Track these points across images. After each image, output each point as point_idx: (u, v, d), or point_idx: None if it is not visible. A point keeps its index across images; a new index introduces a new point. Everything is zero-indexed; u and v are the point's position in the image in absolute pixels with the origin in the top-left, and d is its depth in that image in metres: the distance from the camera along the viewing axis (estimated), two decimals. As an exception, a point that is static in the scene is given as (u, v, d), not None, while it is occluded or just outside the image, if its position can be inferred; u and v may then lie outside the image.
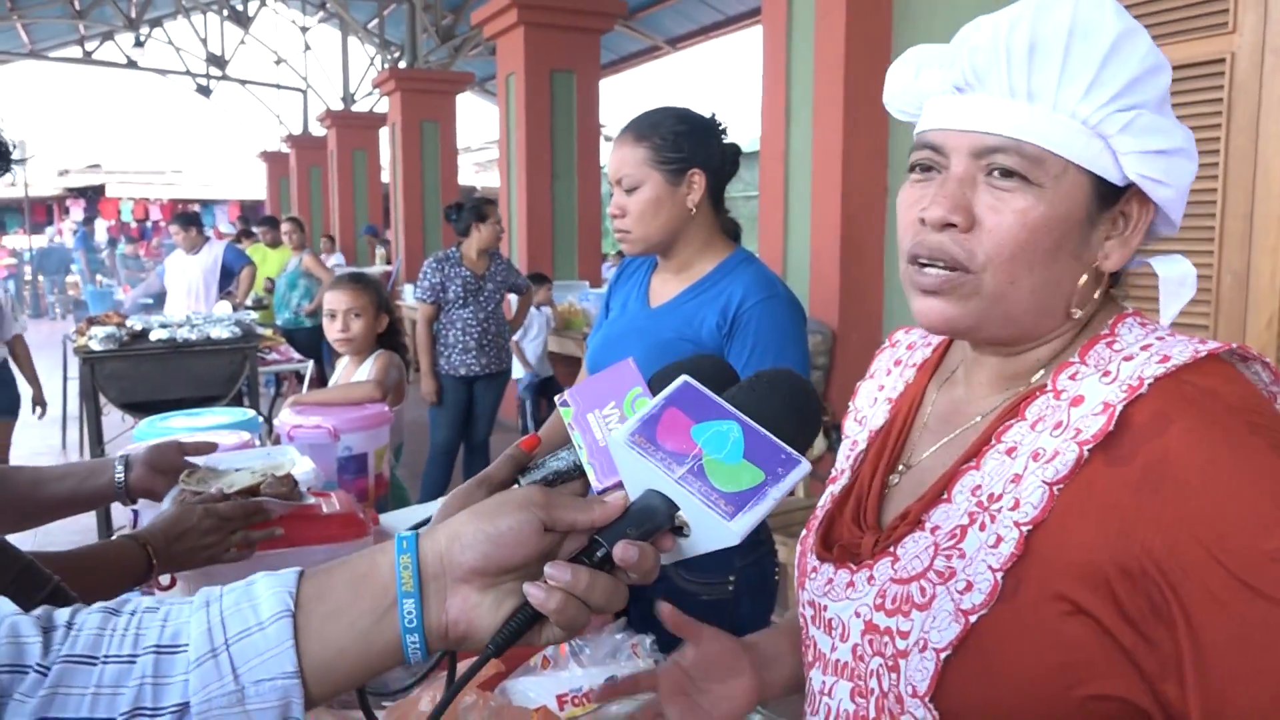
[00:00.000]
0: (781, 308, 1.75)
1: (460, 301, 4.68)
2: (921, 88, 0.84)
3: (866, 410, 0.99)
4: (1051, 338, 0.81)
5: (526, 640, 0.64)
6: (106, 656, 0.59)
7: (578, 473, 0.80)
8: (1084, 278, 0.78)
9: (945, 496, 0.79)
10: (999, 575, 0.72)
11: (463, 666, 0.69)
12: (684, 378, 0.68)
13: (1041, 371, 0.81)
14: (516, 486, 0.85)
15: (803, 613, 0.92)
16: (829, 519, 0.93)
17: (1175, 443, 0.68)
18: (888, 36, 3.95)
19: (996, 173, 0.75)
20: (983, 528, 0.74)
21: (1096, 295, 0.80)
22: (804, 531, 0.98)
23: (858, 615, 0.81)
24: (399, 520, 2.00)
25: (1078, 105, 0.73)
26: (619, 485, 0.69)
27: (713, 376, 0.74)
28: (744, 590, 1.81)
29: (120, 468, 1.50)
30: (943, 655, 0.72)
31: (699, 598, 1.79)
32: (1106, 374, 0.75)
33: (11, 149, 1.04)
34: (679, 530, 0.65)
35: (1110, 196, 0.76)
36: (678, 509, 0.63)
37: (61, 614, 0.61)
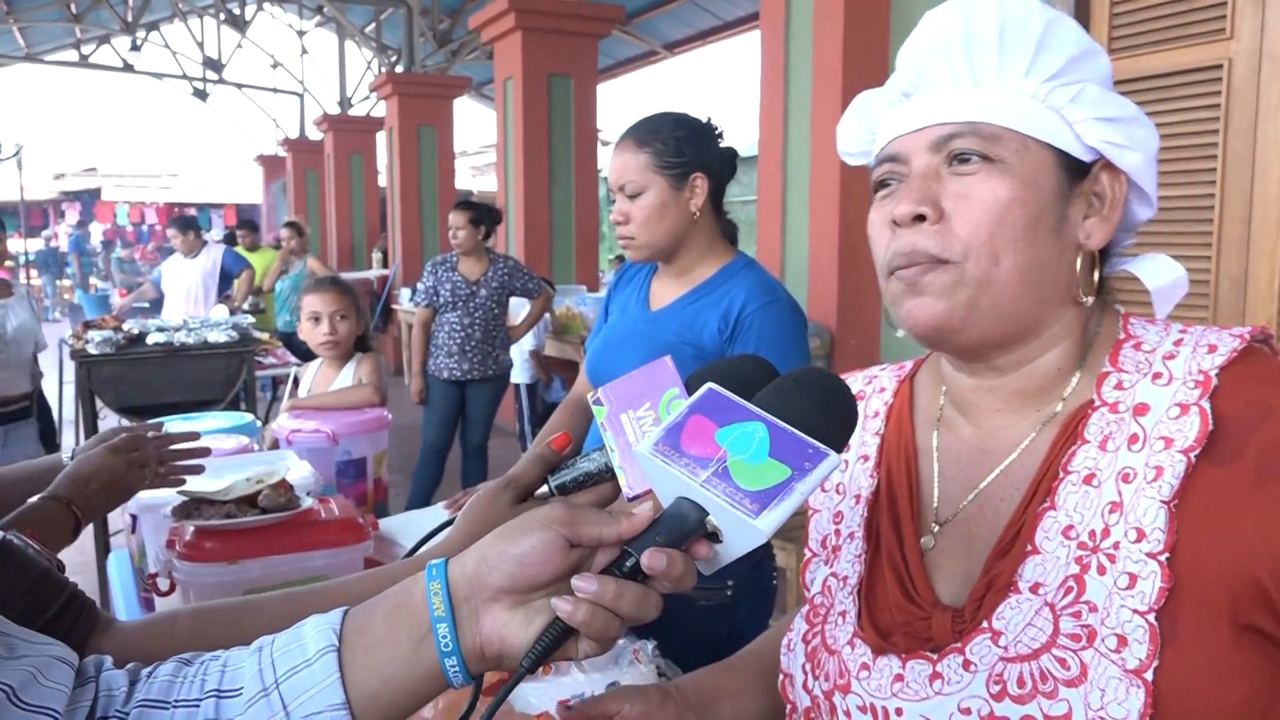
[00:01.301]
0: (783, 313, 1.75)
1: (449, 306, 4.71)
2: (873, 118, 0.84)
3: (840, 476, 0.90)
4: (1055, 339, 0.77)
5: (562, 655, 0.64)
6: (177, 701, 0.63)
7: (609, 475, 0.79)
8: (1074, 261, 0.76)
9: (1031, 548, 0.70)
10: (1151, 618, 0.64)
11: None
12: (709, 385, 0.68)
13: (1073, 383, 0.76)
14: (546, 491, 0.84)
15: None
16: (864, 603, 0.81)
17: None
18: (885, 42, 3.96)
19: (957, 160, 0.74)
20: (1101, 571, 0.66)
21: (1095, 277, 0.78)
22: (801, 626, 0.86)
23: (966, 712, 0.69)
24: (400, 526, 1.99)
25: (1023, 83, 0.74)
26: (651, 491, 0.69)
27: (754, 377, 0.73)
28: (743, 595, 1.81)
29: (68, 459, 1.49)
30: None
31: (698, 604, 1.79)
32: (1157, 376, 0.71)
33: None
34: (713, 537, 0.64)
35: (1078, 172, 0.75)
36: (707, 514, 0.63)
37: (146, 669, 0.66)
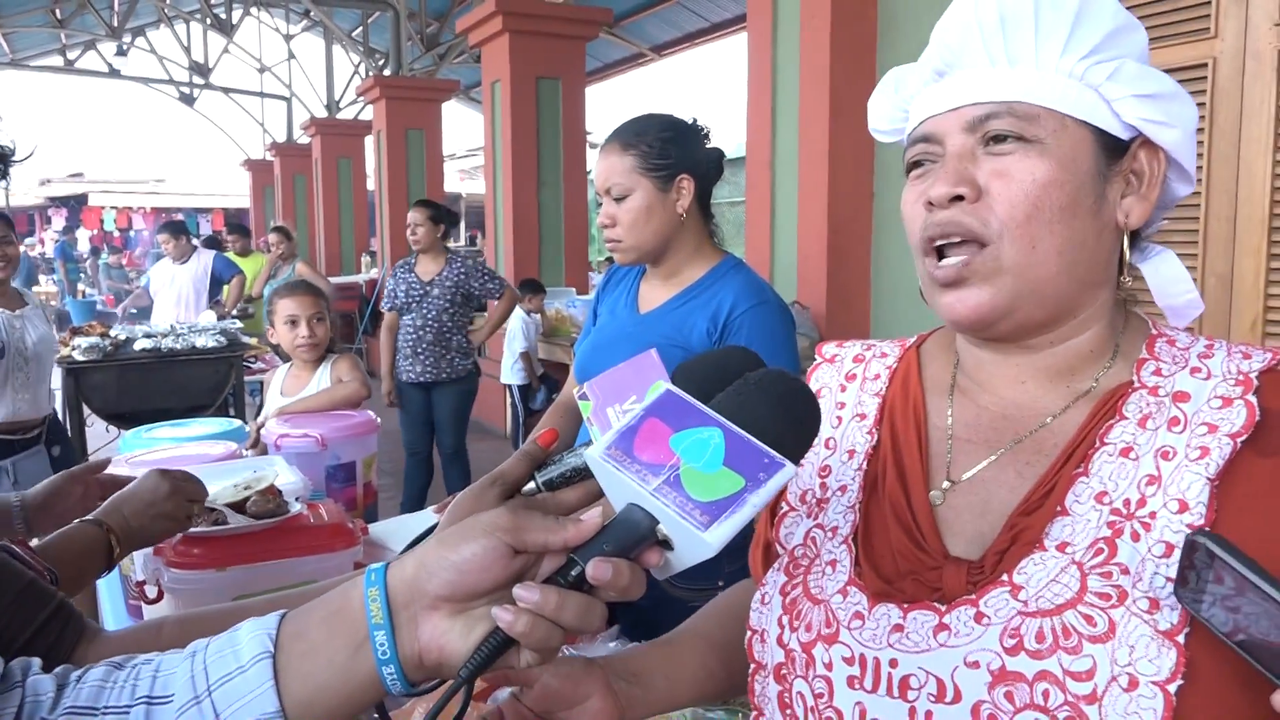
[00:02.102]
0: (772, 314, 1.75)
1: (406, 307, 4.71)
2: (905, 96, 0.84)
3: (830, 431, 0.88)
4: (1090, 321, 0.76)
5: (504, 665, 0.62)
6: (106, 708, 0.60)
7: None
8: (1112, 242, 0.75)
9: (1060, 509, 0.70)
10: None
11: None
12: (667, 386, 0.66)
13: (1108, 364, 0.76)
14: (533, 488, 0.82)
15: (824, 676, 0.74)
16: (861, 551, 0.78)
17: None
18: (873, 42, 3.97)
19: (993, 140, 0.73)
20: (1135, 538, 0.66)
21: (1126, 280, 0.78)
22: (778, 579, 0.82)
23: (973, 665, 0.66)
24: (389, 530, 1.98)
25: (1060, 61, 0.73)
26: None
27: (740, 370, 0.72)
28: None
29: (17, 506, 1.43)
30: (1170, 687, 0.61)
31: (687, 604, 1.79)
32: (1195, 370, 0.72)
33: (11, 152, 1.03)
34: (665, 543, 0.62)
35: (1117, 150, 0.74)
36: (658, 522, 0.61)
37: (76, 671, 0.64)
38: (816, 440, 0.83)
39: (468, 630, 0.61)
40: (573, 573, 0.61)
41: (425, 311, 4.68)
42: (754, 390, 0.66)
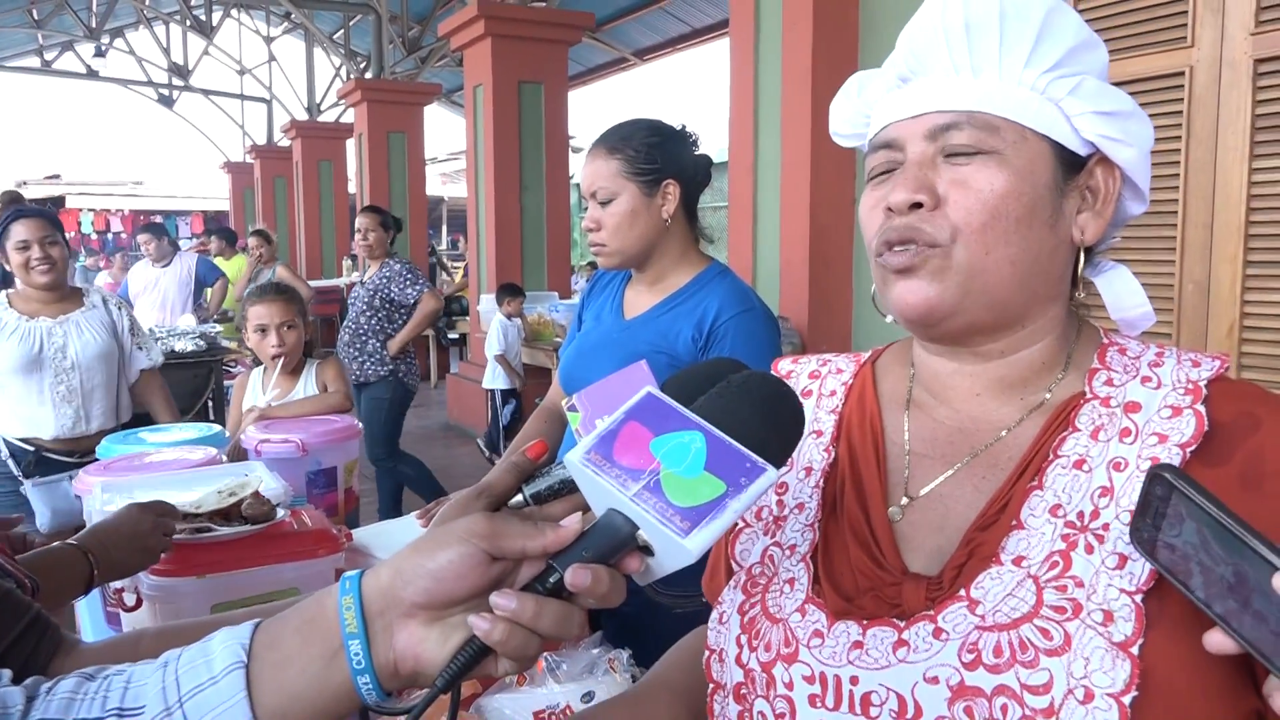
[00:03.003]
0: (758, 321, 1.76)
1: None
2: (867, 101, 0.84)
3: None
4: (1041, 332, 0.77)
5: (482, 674, 0.61)
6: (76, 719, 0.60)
7: None
8: (1066, 256, 0.76)
9: (1016, 523, 0.70)
10: (1138, 599, 0.63)
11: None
12: (648, 389, 0.65)
13: (1060, 376, 0.77)
14: (520, 500, 0.81)
15: (785, 695, 0.73)
16: (820, 570, 0.78)
17: (1269, 439, 0.67)
18: (854, 48, 3.99)
19: (953, 151, 0.74)
20: (1089, 550, 0.66)
21: (1079, 295, 0.78)
22: (736, 597, 0.81)
23: (932, 681, 0.66)
24: (372, 537, 1.97)
25: (1022, 73, 0.74)
26: None
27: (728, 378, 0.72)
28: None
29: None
30: (1125, 699, 0.61)
31: (673, 611, 1.78)
32: (1146, 380, 0.73)
33: None
34: (646, 549, 0.61)
35: (1074, 166, 0.75)
36: (638, 528, 0.60)
37: (47, 683, 0.62)
38: None
39: (444, 638, 0.61)
40: (551, 579, 0.61)
41: (350, 314, 4.77)
42: (737, 393, 0.65)
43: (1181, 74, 2.70)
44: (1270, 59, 2.53)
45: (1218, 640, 0.58)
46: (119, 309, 3.22)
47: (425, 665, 0.61)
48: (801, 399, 0.88)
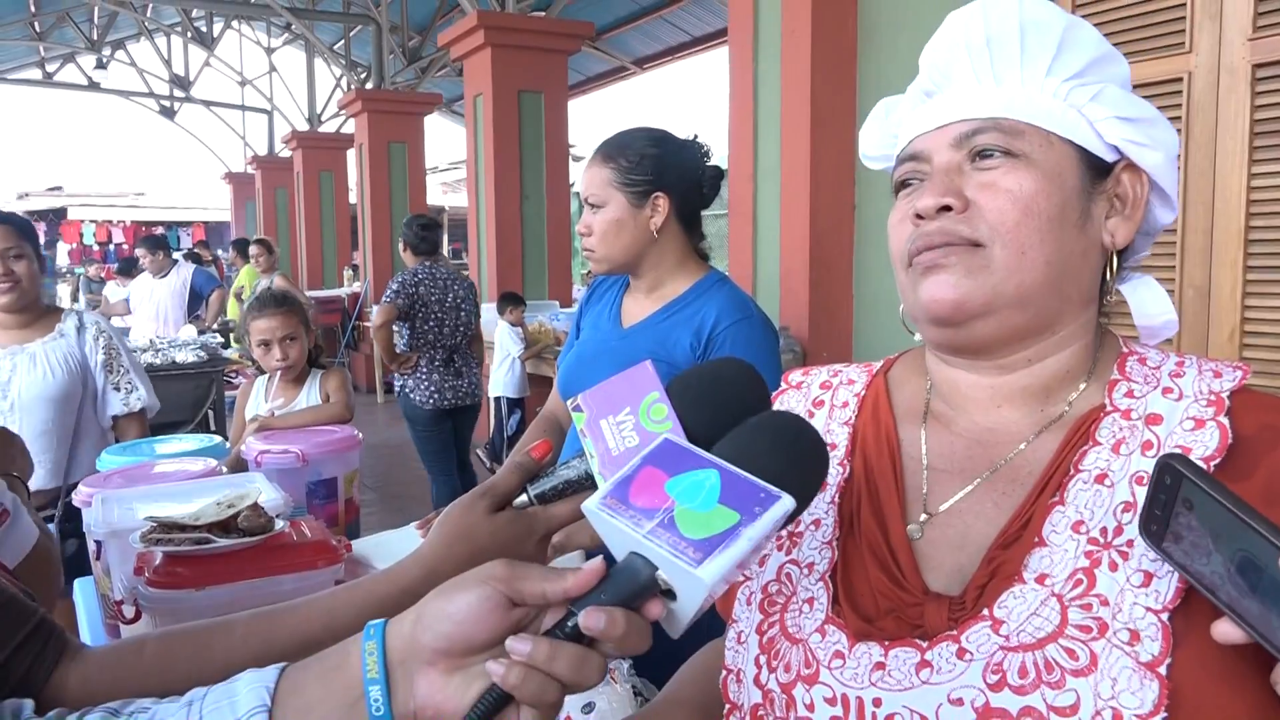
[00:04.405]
0: (756, 329, 1.76)
1: None
2: (894, 121, 0.85)
3: None
4: (1069, 339, 0.76)
5: None
6: None
7: (589, 482, 0.76)
8: (1098, 261, 0.76)
9: (1038, 540, 0.69)
10: (1164, 617, 0.62)
11: None
12: (665, 436, 0.66)
13: (1080, 387, 0.76)
14: (525, 500, 0.81)
15: (806, 718, 0.72)
16: (840, 589, 0.77)
17: None
18: (853, 56, 3.99)
19: (980, 155, 0.74)
20: (1114, 567, 0.65)
21: (1109, 301, 0.79)
22: (754, 616, 0.80)
23: (957, 703, 0.65)
24: (372, 547, 1.97)
25: (1044, 81, 0.75)
26: None
27: (734, 378, 0.72)
28: (713, 613, 1.81)
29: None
30: None
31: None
32: (1168, 391, 0.72)
33: None
34: (670, 594, 0.60)
35: (1101, 171, 0.76)
36: (658, 569, 0.59)
37: (72, 717, 0.63)
38: None
39: (465, 687, 0.60)
40: (570, 624, 0.60)
41: None
42: (752, 432, 0.65)
43: (1180, 80, 2.70)
44: (1268, 64, 2.53)
45: (1225, 629, 0.58)
46: (98, 339, 2.66)
47: (445, 714, 0.60)
48: (813, 409, 0.89)
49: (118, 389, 2.68)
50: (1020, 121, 0.74)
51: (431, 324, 4.62)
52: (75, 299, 16.44)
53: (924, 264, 0.74)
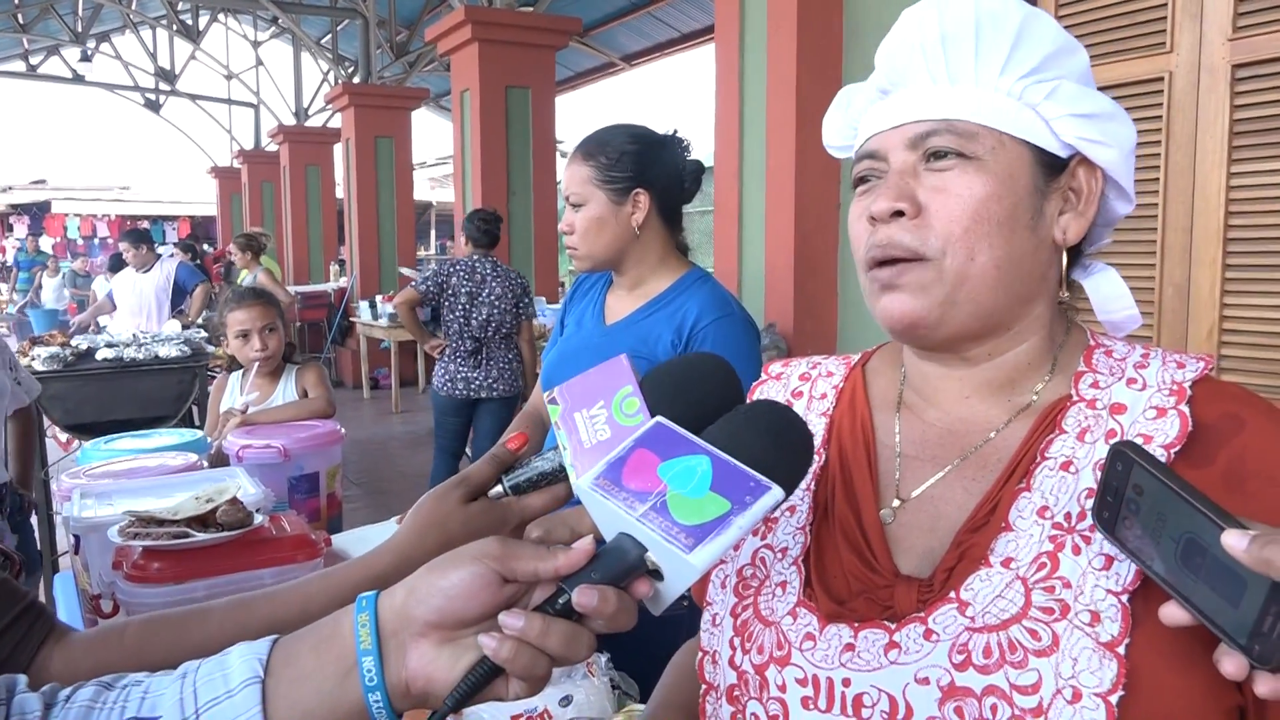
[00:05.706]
0: (736, 327, 1.77)
1: None
2: (855, 112, 0.86)
3: None
4: (1026, 333, 0.78)
5: (493, 695, 0.62)
6: None
7: (563, 474, 0.77)
8: (1049, 257, 0.77)
9: (1004, 525, 0.71)
10: (1124, 599, 0.64)
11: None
12: (658, 419, 0.67)
13: (1046, 377, 0.78)
14: (500, 491, 0.82)
15: (778, 698, 0.74)
16: (812, 573, 0.78)
17: (1252, 440, 0.68)
18: (839, 54, 4.00)
19: (933, 157, 0.75)
20: (1076, 551, 0.67)
21: (1064, 295, 0.79)
22: (728, 599, 0.82)
23: (923, 682, 0.67)
24: (353, 541, 1.97)
25: (998, 80, 0.75)
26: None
27: (711, 373, 0.73)
28: (691, 610, 1.81)
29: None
30: (1112, 699, 0.62)
31: (654, 616, 1.79)
32: (1132, 381, 0.74)
33: None
34: (656, 574, 0.62)
35: (1055, 168, 0.76)
36: (646, 550, 0.61)
37: (65, 691, 0.64)
38: None
39: (455, 659, 0.61)
40: (560, 600, 0.61)
41: None
42: (744, 420, 0.67)
43: (1161, 79, 2.72)
44: (1247, 64, 2.55)
45: (1170, 611, 0.59)
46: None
47: (436, 685, 0.61)
48: (792, 399, 0.90)
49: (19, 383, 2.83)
50: (973, 123, 0.74)
51: (458, 313, 4.68)
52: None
53: (880, 280, 0.76)
